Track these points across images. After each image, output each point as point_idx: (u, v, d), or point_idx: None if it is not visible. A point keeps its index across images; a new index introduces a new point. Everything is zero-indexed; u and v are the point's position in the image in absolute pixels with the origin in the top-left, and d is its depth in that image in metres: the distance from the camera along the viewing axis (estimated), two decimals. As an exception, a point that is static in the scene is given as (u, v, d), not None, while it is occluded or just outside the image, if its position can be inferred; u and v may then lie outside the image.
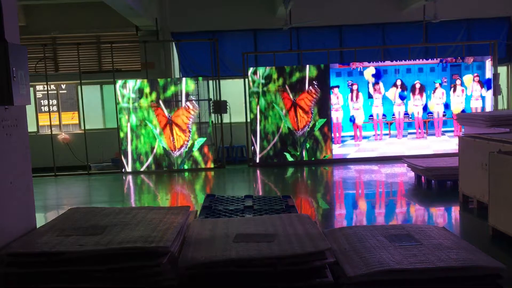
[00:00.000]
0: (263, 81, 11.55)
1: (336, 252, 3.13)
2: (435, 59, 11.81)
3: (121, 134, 11.43)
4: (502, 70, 13.09)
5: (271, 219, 3.59)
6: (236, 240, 3.10)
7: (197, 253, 2.91)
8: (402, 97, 11.75)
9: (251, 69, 11.59)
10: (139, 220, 3.30)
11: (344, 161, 11.53)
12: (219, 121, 11.87)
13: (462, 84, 11.74)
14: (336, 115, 11.69)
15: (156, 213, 3.48)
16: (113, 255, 2.75)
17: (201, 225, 3.54)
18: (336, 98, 11.65)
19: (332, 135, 11.65)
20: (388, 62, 11.79)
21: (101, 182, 10.89)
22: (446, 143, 11.74)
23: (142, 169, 11.46)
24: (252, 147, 11.68)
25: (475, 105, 11.78)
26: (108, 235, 2.98)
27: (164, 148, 11.47)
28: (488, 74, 11.74)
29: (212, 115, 11.71)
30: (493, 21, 13.02)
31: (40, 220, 3.60)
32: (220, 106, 11.66)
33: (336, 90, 11.64)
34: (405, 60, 11.78)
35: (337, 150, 11.75)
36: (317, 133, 11.64)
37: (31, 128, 12.57)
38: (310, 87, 11.56)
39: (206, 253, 2.90)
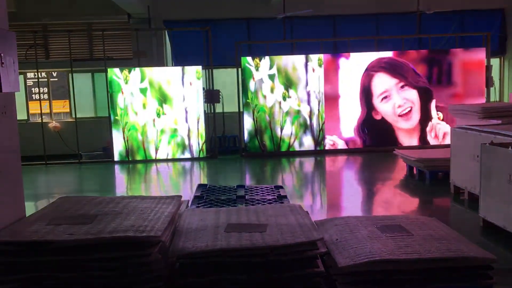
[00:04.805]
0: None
1: (327, 242, 3.12)
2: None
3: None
4: (495, 62, 13.13)
5: (263, 209, 3.58)
6: (227, 230, 3.08)
7: (188, 243, 2.89)
8: None
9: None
10: (130, 210, 3.26)
11: (336, 152, 11.54)
12: (212, 111, 11.81)
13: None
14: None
15: (147, 203, 3.45)
16: (103, 244, 2.72)
17: (193, 214, 3.52)
18: None
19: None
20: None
21: (92, 171, 10.83)
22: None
23: (132, 158, 11.40)
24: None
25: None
26: (99, 225, 2.95)
27: (157, 137, 11.41)
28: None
29: (205, 104, 11.66)
30: (487, 13, 13.03)
31: (30, 209, 3.56)
32: (212, 96, 11.60)
33: None
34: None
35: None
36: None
37: (22, 116, 12.45)
38: None
39: (197, 242, 2.89)
